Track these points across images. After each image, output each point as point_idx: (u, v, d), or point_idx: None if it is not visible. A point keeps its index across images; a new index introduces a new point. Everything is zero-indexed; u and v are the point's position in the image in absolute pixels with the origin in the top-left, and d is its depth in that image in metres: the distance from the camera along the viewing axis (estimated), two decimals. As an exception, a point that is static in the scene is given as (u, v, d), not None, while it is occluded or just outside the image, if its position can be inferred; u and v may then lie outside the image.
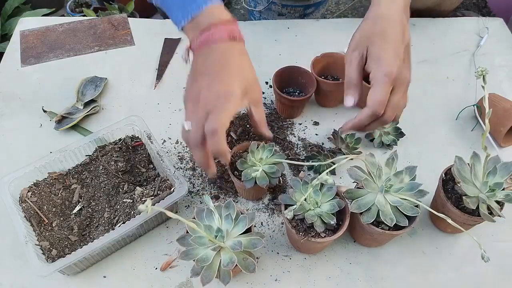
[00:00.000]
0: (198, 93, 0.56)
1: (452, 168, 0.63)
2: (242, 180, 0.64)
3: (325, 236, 0.58)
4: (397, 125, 0.79)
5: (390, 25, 0.63)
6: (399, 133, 0.79)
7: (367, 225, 0.58)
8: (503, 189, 0.58)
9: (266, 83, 0.90)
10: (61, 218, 0.67)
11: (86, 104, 0.84)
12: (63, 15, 1.68)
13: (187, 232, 0.57)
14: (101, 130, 0.72)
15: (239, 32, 0.60)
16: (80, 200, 0.69)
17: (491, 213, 0.60)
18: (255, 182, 0.63)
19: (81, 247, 0.60)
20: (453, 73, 0.93)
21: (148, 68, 0.93)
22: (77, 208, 0.68)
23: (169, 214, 0.48)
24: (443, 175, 0.65)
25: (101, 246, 0.59)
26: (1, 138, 0.81)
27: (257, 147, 0.66)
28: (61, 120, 0.82)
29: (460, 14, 1.44)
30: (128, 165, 0.72)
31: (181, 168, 0.77)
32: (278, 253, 0.67)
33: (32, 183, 0.68)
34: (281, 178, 0.74)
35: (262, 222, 0.71)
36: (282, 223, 0.70)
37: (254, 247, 0.55)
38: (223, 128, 0.54)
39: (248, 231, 0.58)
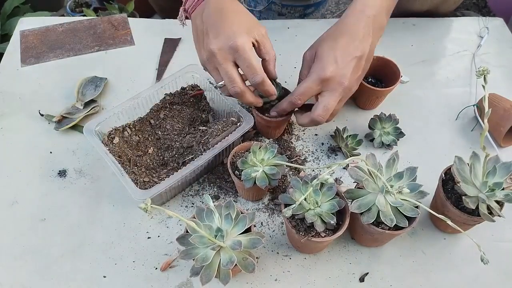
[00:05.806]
0: (210, 52, 0.62)
1: (452, 168, 0.63)
2: (241, 179, 0.64)
3: (325, 236, 0.58)
4: (397, 125, 0.79)
5: (347, 36, 0.66)
6: (399, 133, 0.79)
7: (367, 225, 0.58)
8: (503, 189, 0.58)
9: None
10: (141, 155, 0.75)
11: (86, 104, 0.84)
12: (63, 15, 1.67)
13: (187, 231, 0.57)
14: (166, 79, 0.78)
15: None
16: (158, 139, 0.77)
17: (491, 213, 0.60)
18: (255, 182, 0.63)
19: (164, 180, 0.66)
20: (453, 73, 0.93)
21: (148, 68, 0.93)
22: (151, 149, 0.76)
23: (169, 213, 0.48)
24: (443, 175, 0.65)
25: (185, 175, 0.66)
26: (1, 138, 0.81)
27: (260, 148, 0.66)
28: (61, 120, 0.82)
29: (460, 14, 1.44)
30: (192, 113, 0.80)
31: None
32: (278, 253, 0.67)
33: (112, 128, 0.74)
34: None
35: (262, 222, 0.71)
36: (282, 223, 0.70)
37: (254, 246, 0.55)
38: (261, 71, 0.63)
39: (248, 231, 0.58)
